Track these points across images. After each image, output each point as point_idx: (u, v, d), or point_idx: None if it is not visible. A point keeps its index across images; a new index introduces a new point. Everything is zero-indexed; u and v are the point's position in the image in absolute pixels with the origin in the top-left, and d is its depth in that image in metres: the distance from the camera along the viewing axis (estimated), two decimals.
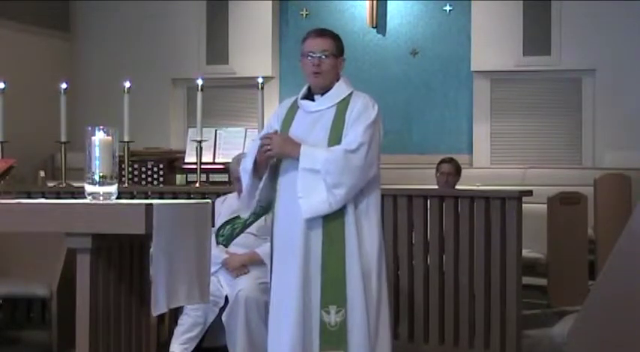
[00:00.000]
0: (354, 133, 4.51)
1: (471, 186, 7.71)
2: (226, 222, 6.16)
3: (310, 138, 4.57)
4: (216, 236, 6.10)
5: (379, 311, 4.59)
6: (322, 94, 4.65)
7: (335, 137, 4.55)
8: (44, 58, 10.29)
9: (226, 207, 6.23)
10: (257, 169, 4.66)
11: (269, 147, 4.55)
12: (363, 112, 4.56)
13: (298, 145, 4.52)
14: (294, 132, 4.62)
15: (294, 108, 4.70)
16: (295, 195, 4.52)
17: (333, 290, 4.51)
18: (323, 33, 4.68)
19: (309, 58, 4.62)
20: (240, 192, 6.12)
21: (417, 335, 6.40)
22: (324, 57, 4.60)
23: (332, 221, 4.53)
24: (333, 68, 4.62)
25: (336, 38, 4.69)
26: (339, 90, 4.64)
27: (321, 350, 4.51)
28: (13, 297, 6.70)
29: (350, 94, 4.64)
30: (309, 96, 4.70)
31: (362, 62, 10.03)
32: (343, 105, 4.60)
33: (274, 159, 4.63)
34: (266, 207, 4.76)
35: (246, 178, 4.68)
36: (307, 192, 4.48)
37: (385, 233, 5.98)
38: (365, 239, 4.56)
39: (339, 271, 4.51)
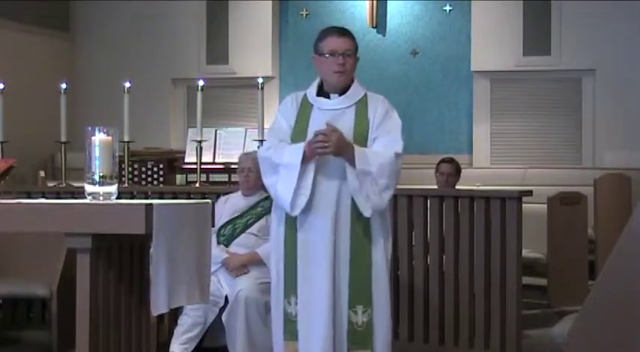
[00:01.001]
0: (396, 137, 4.58)
1: (471, 186, 7.71)
2: (227, 222, 6.16)
3: None
4: (217, 235, 6.10)
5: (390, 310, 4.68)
6: (340, 93, 4.65)
7: (358, 137, 4.56)
8: (44, 58, 10.29)
9: (229, 206, 6.23)
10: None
11: (326, 145, 4.45)
12: (389, 116, 4.63)
13: (352, 145, 4.50)
14: (313, 130, 4.57)
15: (307, 105, 4.67)
16: (326, 192, 4.52)
17: (360, 290, 4.55)
18: (345, 33, 4.68)
19: (330, 56, 4.60)
20: (245, 186, 6.15)
21: (417, 335, 6.40)
22: (347, 56, 4.60)
23: (359, 222, 4.55)
24: (354, 67, 4.66)
25: (354, 38, 4.71)
26: (356, 90, 4.67)
27: (349, 350, 4.56)
28: (13, 297, 6.70)
29: (365, 95, 4.67)
30: (322, 94, 4.68)
31: (362, 62, 9.90)
32: (362, 105, 4.63)
33: (325, 157, 4.52)
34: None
35: (293, 175, 4.49)
36: (362, 192, 4.48)
37: None
38: (387, 238, 4.64)
39: (365, 271, 4.56)
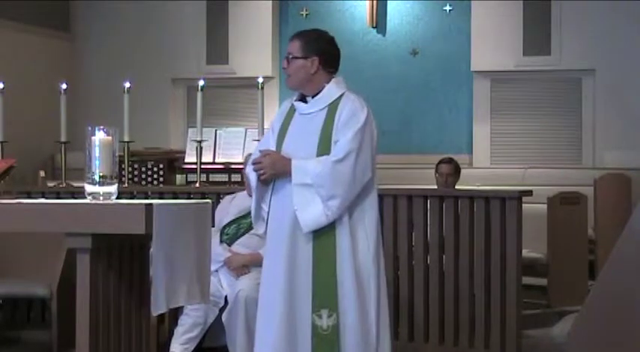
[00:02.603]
0: (343, 140, 4.49)
1: (471, 186, 7.72)
2: (232, 221, 6.17)
3: (303, 142, 4.56)
4: (221, 234, 6.11)
5: (379, 314, 4.58)
6: (313, 96, 4.63)
7: (324, 141, 4.53)
8: (44, 58, 10.28)
9: (235, 205, 6.24)
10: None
11: (262, 172, 4.55)
12: (351, 117, 4.52)
13: (289, 161, 4.52)
14: (290, 135, 4.60)
15: (291, 111, 4.69)
16: (284, 202, 4.53)
17: (324, 294, 4.50)
18: (294, 36, 4.68)
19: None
20: (249, 190, 6.15)
21: (417, 335, 6.40)
22: (290, 59, 4.61)
23: (322, 227, 4.52)
24: (298, 70, 4.58)
25: (306, 39, 4.63)
26: (330, 92, 4.60)
27: None
28: (13, 297, 6.69)
29: (341, 96, 4.59)
30: (303, 98, 4.69)
31: (362, 62, 10.02)
32: (333, 107, 4.57)
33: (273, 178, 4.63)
34: None
35: (254, 194, 4.67)
36: (303, 206, 4.47)
37: (385, 233, 6.00)
38: (359, 242, 4.54)
39: (329, 276, 4.50)
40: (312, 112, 4.60)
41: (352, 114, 4.53)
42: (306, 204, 4.47)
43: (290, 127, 4.63)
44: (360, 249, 4.54)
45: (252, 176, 4.65)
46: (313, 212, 4.47)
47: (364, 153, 4.50)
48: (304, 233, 4.49)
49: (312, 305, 4.50)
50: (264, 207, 4.63)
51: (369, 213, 4.59)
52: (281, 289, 4.48)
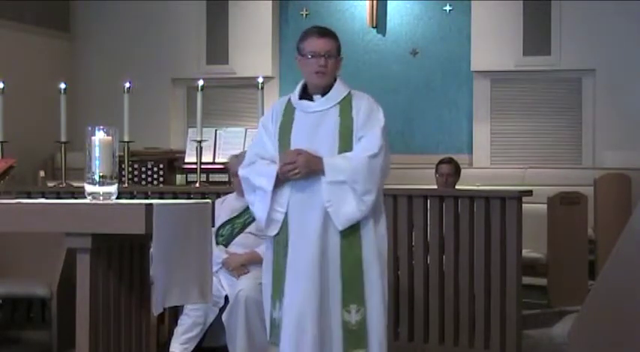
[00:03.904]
0: (373, 136, 4.53)
1: (471, 186, 7.71)
2: (226, 222, 6.16)
3: (319, 139, 4.56)
4: (216, 236, 6.10)
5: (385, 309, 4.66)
6: (322, 94, 4.63)
7: (344, 137, 4.56)
8: (44, 58, 10.29)
9: (225, 207, 6.23)
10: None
11: (297, 171, 4.50)
12: (371, 112, 4.58)
13: (320, 159, 4.52)
14: (298, 134, 4.59)
15: (290, 109, 4.67)
16: (310, 200, 4.52)
17: (352, 290, 4.54)
18: (325, 33, 4.66)
19: (312, 57, 4.59)
20: (239, 190, 6.13)
21: (417, 335, 6.40)
22: (328, 57, 4.59)
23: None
24: (335, 68, 4.64)
25: (336, 38, 4.69)
26: (339, 89, 4.64)
27: (345, 350, 4.54)
28: (13, 297, 6.69)
29: (349, 93, 4.64)
30: (305, 96, 4.68)
31: (362, 62, 10.03)
32: (345, 104, 4.60)
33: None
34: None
35: (266, 200, 4.57)
36: (336, 204, 4.49)
37: None
38: (381, 237, 4.63)
39: (356, 271, 4.54)
40: (322, 110, 4.61)
41: (371, 110, 4.59)
42: (340, 201, 4.49)
43: (295, 126, 4.62)
44: (381, 244, 4.63)
45: (263, 180, 4.58)
46: (348, 208, 4.50)
47: (388, 148, 4.60)
48: (338, 230, 4.50)
49: (342, 301, 4.52)
50: (280, 209, 4.58)
51: (382, 207, 4.68)
52: (315, 287, 4.49)
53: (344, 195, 4.49)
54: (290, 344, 4.51)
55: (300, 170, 4.50)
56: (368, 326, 4.55)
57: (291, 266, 4.57)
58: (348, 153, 4.54)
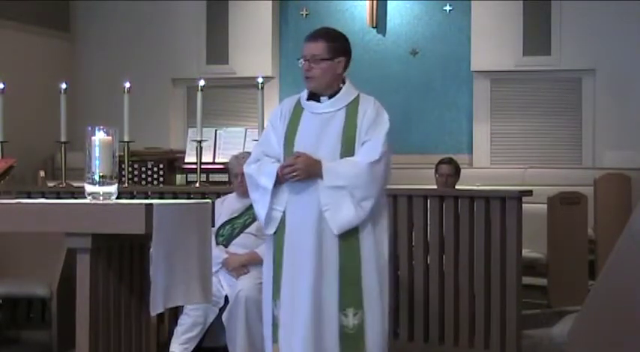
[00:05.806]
0: (376, 142, 4.53)
1: (471, 186, 7.71)
2: (226, 222, 6.16)
3: (322, 142, 4.56)
4: (216, 236, 6.10)
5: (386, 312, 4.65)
6: (330, 96, 4.63)
7: (347, 141, 4.56)
8: (44, 58, 10.29)
9: (226, 207, 6.23)
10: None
11: (296, 174, 4.51)
12: (376, 118, 4.57)
13: (319, 163, 4.52)
14: (304, 134, 4.59)
15: (299, 109, 4.67)
16: (307, 202, 4.52)
17: (350, 293, 4.53)
18: (316, 37, 4.64)
19: (303, 62, 4.61)
20: (240, 191, 6.14)
21: (417, 335, 6.40)
22: (314, 61, 4.57)
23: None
24: (326, 72, 4.59)
25: (331, 40, 4.63)
26: (347, 92, 4.63)
27: None
28: (13, 297, 6.69)
29: (357, 97, 4.63)
30: (313, 97, 4.67)
31: (362, 62, 10.01)
32: (352, 108, 4.59)
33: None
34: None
35: (266, 199, 4.59)
36: (335, 208, 4.49)
37: None
38: (381, 241, 4.61)
39: (355, 275, 4.53)
40: (329, 112, 4.60)
41: (377, 115, 4.58)
42: (338, 205, 4.49)
43: (301, 126, 4.62)
44: (382, 248, 4.60)
45: (265, 178, 4.59)
46: (346, 213, 4.49)
47: (390, 154, 4.59)
48: (334, 234, 4.50)
49: (339, 304, 4.52)
50: (279, 207, 4.59)
51: (384, 211, 4.66)
52: (309, 288, 4.48)
53: (342, 199, 4.49)
54: (284, 343, 4.54)
55: (299, 173, 4.51)
56: (366, 331, 4.53)
57: (287, 265, 4.58)
58: (349, 158, 4.54)
